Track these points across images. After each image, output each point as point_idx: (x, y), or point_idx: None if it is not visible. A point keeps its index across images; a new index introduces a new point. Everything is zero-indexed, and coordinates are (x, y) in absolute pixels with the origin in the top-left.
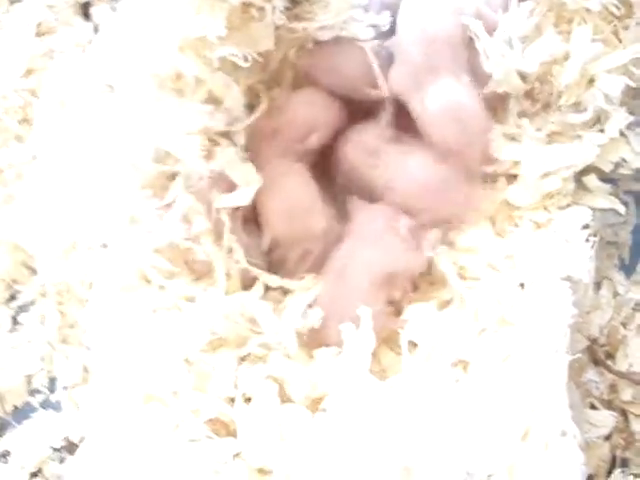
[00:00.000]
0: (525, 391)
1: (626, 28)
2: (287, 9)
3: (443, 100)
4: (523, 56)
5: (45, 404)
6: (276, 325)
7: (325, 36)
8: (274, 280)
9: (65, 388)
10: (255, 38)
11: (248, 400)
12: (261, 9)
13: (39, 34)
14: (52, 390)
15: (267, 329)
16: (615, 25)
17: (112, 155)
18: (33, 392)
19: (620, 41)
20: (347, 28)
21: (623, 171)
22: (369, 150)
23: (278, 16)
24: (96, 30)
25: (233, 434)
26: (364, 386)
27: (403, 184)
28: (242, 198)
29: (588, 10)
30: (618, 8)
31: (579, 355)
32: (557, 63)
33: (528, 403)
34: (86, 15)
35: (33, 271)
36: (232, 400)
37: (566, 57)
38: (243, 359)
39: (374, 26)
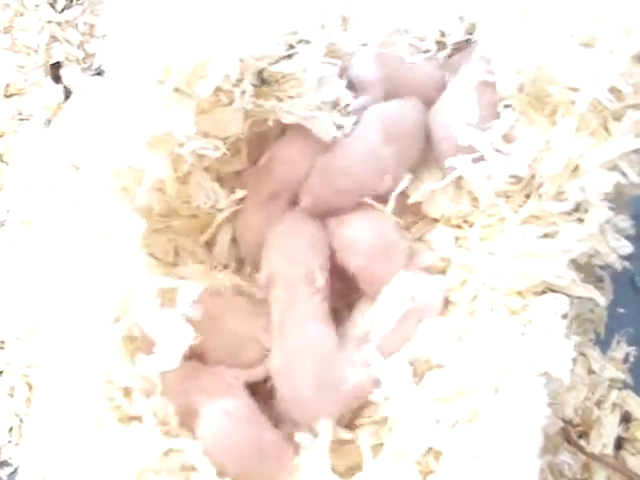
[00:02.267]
0: None
1: (617, 119)
2: (255, 86)
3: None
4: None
5: (13, 476)
6: None
7: (288, 119)
8: None
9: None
10: (223, 123)
11: None
12: (230, 93)
13: (8, 95)
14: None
15: None
16: (605, 116)
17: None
18: (1, 464)
19: (609, 133)
20: (312, 122)
21: (596, 261)
22: None
23: (247, 100)
24: (66, 92)
25: None
26: None
27: None
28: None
29: (574, 102)
30: (610, 101)
31: (549, 458)
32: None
33: None
34: (56, 76)
35: (1, 342)
36: None
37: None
38: None
39: (339, 127)
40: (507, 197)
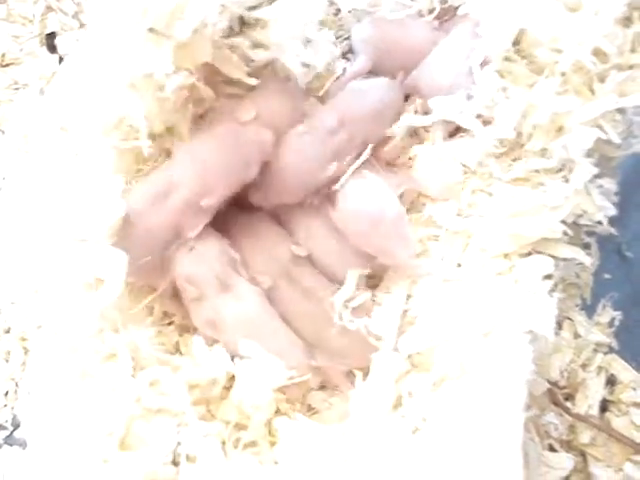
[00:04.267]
0: (480, 448)
1: (602, 80)
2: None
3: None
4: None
5: (9, 440)
6: None
7: (258, 56)
8: None
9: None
10: (194, 51)
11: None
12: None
13: (3, 65)
14: (16, 426)
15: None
16: (590, 77)
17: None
18: None
19: (593, 93)
20: (281, 55)
21: (582, 221)
22: None
23: (217, 32)
24: (61, 61)
25: None
26: (313, 434)
27: None
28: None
29: (557, 62)
30: (594, 63)
31: (536, 408)
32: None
33: (483, 460)
34: (51, 46)
35: None
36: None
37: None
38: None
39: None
40: (496, 158)
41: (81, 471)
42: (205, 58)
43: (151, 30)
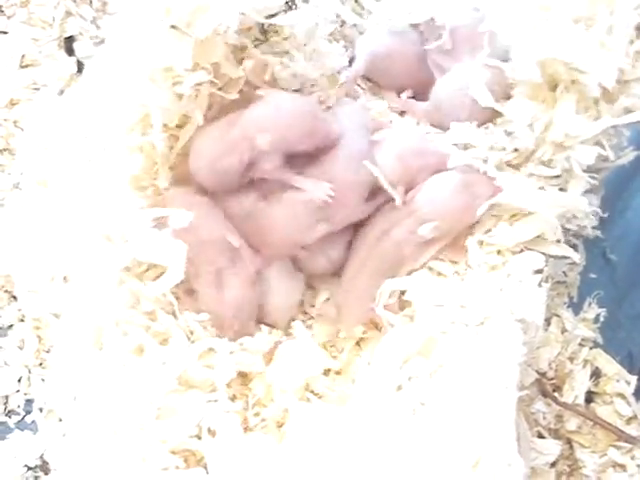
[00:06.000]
0: (477, 424)
1: (611, 101)
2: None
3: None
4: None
5: (21, 425)
6: None
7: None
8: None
9: (41, 410)
10: (211, 50)
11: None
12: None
13: (23, 66)
14: (28, 411)
15: None
16: (597, 98)
17: (91, 190)
18: (9, 413)
19: (599, 113)
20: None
21: (569, 226)
22: None
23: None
24: (79, 64)
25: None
26: (323, 413)
27: None
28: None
29: (574, 82)
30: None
31: (526, 392)
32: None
33: (479, 435)
34: (70, 49)
35: (12, 296)
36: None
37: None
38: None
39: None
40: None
41: (118, 436)
42: (219, 58)
43: (173, 27)
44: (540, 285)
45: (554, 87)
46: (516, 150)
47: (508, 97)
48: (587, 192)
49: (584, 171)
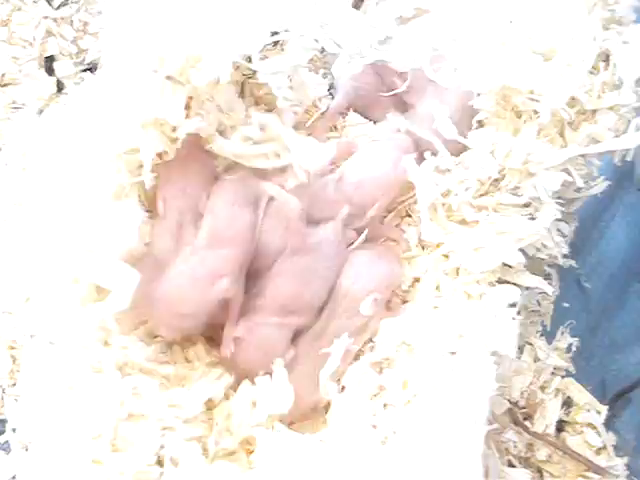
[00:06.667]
0: (444, 456)
1: (576, 129)
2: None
3: None
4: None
5: None
6: None
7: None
8: None
9: (14, 430)
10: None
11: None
12: None
13: (3, 85)
14: (1, 431)
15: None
16: (563, 124)
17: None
18: None
19: (564, 140)
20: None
21: (539, 255)
22: None
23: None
24: (59, 84)
25: None
26: (290, 441)
27: None
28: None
29: (536, 112)
30: (569, 115)
31: (496, 425)
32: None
33: (447, 467)
34: (50, 69)
35: None
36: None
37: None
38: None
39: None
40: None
41: (73, 471)
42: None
43: (169, 78)
44: (513, 318)
45: (520, 117)
46: (479, 181)
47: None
48: (559, 221)
49: (555, 200)
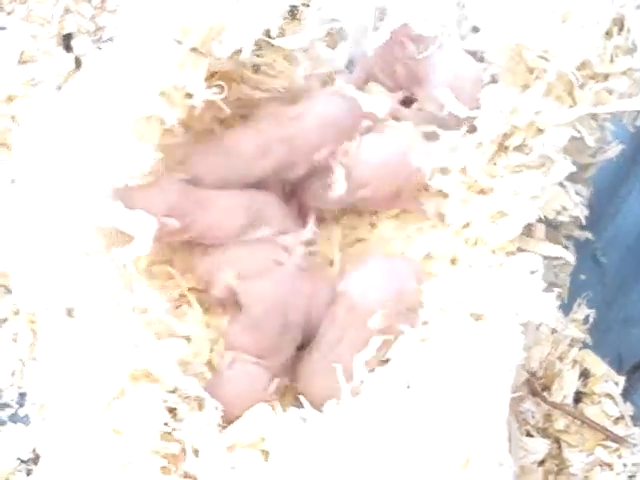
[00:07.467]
0: (468, 422)
1: (582, 87)
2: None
3: None
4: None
5: (14, 418)
6: None
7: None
8: None
9: (34, 403)
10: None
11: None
12: None
13: (21, 62)
14: (21, 404)
15: None
16: (572, 85)
17: (86, 184)
18: (3, 406)
19: (574, 99)
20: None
21: (561, 218)
22: None
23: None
24: (77, 61)
25: None
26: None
27: None
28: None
29: (546, 71)
30: (577, 79)
31: (520, 393)
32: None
33: (471, 433)
34: (68, 46)
35: (7, 290)
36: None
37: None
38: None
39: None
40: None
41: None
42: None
43: (194, 50)
44: (551, 290)
45: (532, 72)
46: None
47: None
48: (573, 181)
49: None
